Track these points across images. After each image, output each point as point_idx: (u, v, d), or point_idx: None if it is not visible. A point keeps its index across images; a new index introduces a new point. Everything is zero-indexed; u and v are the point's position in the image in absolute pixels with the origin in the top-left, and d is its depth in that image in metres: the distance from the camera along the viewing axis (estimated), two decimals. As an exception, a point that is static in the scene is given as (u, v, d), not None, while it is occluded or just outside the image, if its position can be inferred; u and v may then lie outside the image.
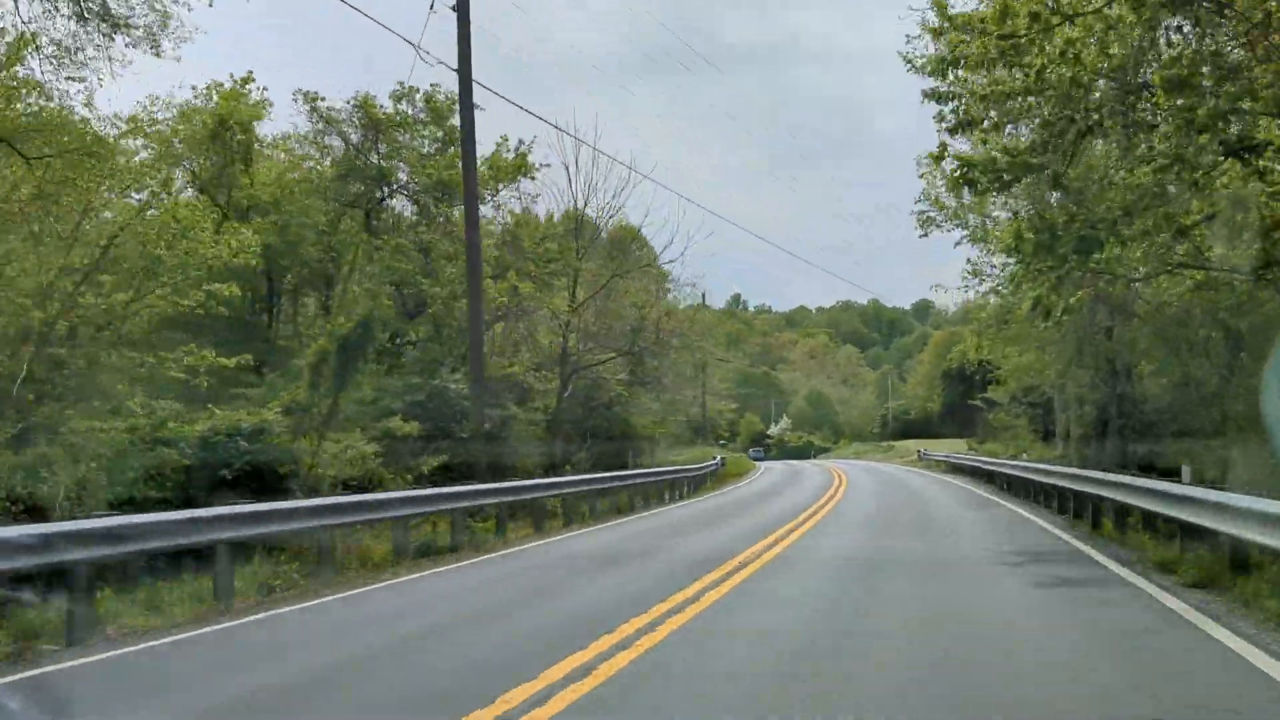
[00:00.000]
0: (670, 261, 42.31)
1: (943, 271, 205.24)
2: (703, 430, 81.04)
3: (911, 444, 78.85)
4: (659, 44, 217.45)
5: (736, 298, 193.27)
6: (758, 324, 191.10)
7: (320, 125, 35.35)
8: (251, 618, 11.62)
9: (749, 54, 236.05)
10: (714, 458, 50.29)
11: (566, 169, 39.85)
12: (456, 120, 38.31)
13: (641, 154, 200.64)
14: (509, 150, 38.04)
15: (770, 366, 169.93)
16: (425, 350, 32.45)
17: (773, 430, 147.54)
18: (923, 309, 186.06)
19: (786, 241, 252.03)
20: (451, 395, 30.30)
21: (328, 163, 36.10)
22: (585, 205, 40.01)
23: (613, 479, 29.68)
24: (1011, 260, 20.35)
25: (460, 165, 35.60)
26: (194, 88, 34.14)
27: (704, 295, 73.77)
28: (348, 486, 23.83)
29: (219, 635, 10.78)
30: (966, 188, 17.38)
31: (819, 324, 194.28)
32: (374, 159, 35.22)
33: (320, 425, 23.35)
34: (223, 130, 33.30)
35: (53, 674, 8.97)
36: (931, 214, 32.42)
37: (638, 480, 32.03)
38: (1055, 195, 19.07)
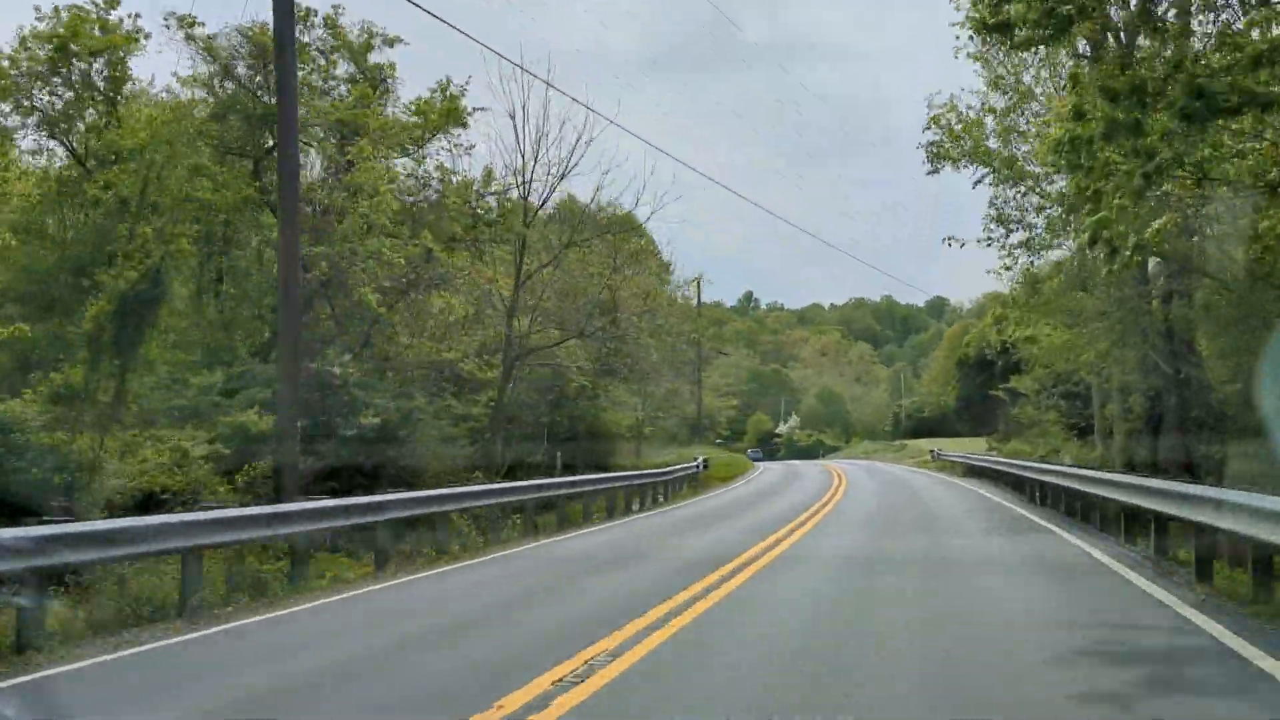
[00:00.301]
0: (641, 223, 34.88)
1: (957, 267, 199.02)
2: (700, 429, 74.34)
3: (924, 443, 72.01)
4: (668, 42, 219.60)
5: (748, 295, 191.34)
6: (769, 321, 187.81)
7: (199, 57, 28.84)
8: None
9: (758, 52, 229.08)
10: (695, 459, 43.54)
11: (512, 118, 33.18)
12: (379, 57, 32.02)
13: (649, 152, 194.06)
14: (444, 95, 31.45)
15: (782, 364, 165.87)
16: (315, 328, 25.76)
17: (781, 429, 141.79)
18: (937, 306, 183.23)
19: (795, 237, 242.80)
20: (339, 383, 23.75)
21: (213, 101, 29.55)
22: (534, 161, 33.35)
23: (533, 488, 23.00)
24: (1058, 177, 13.52)
25: (370, 107, 29.58)
26: (37, 8, 27.48)
27: (699, 282, 66.76)
28: (155, 502, 17.30)
29: None
30: (996, 37, 10.56)
31: (831, 321, 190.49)
32: (263, 97, 28.60)
33: (103, 417, 16.84)
34: (67, 59, 26.85)
35: None
36: (943, 144, 25.34)
37: (574, 489, 25.30)
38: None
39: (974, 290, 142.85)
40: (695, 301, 71.74)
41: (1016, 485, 31.13)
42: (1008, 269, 26.58)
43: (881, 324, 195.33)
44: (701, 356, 71.87)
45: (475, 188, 32.04)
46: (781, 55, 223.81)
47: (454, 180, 30.26)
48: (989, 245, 26.63)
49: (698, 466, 42.12)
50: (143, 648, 10.04)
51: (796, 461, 79.44)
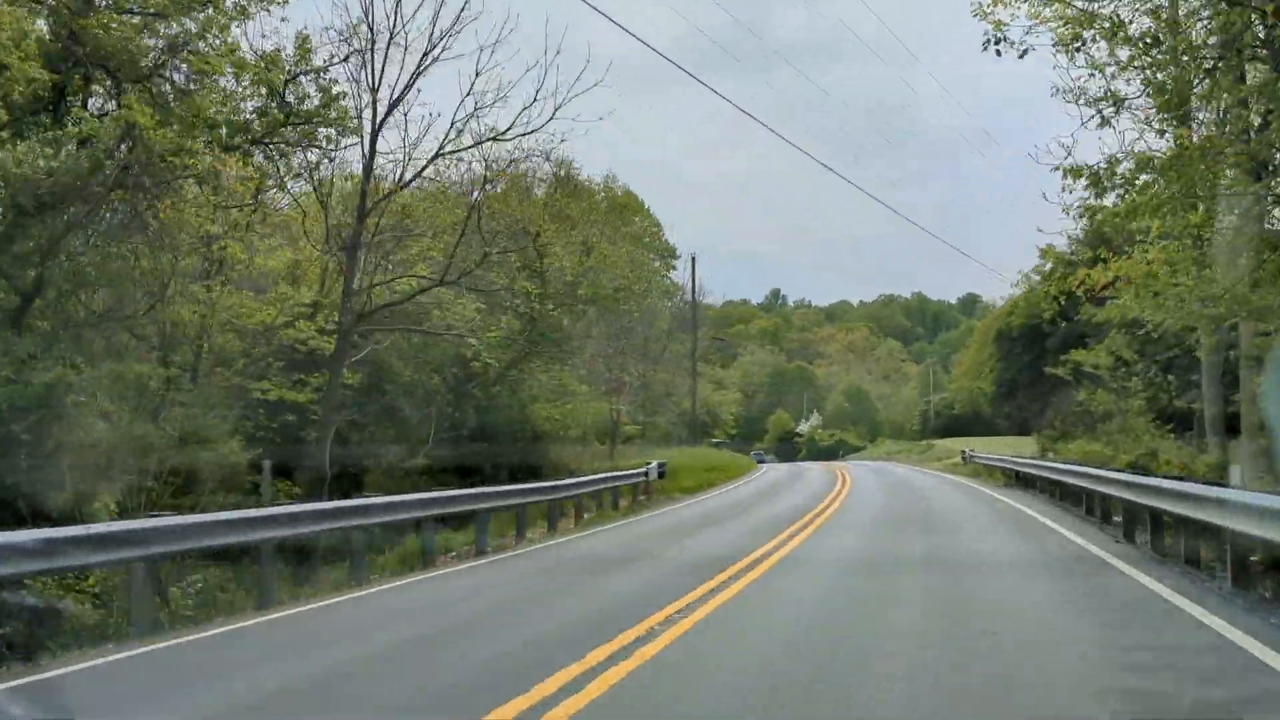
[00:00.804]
0: (529, 132, 23.14)
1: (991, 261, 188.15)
2: (697, 426, 63.34)
3: (954, 443, 60.81)
4: (701, 44, 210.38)
5: (775, 293, 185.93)
6: (796, 319, 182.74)
7: None
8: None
9: (792, 52, 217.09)
10: (648, 465, 32.61)
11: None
12: None
13: (677, 153, 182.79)
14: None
15: (807, 362, 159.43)
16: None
17: (802, 427, 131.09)
18: (969, 303, 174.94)
19: (828, 236, 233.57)
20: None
21: None
22: (390, 33, 22.58)
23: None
24: None
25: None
26: None
27: (694, 261, 56.19)
28: None
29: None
30: None
31: (860, 318, 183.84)
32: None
33: None
34: None
35: None
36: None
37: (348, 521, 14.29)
38: None
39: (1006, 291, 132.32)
40: (690, 285, 61.07)
41: (1096, 507, 19.80)
42: (1097, 182, 15.45)
43: (912, 320, 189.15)
44: (698, 346, 61.08)
45: (289, 69, 21.22)
46: (814, 53, 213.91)
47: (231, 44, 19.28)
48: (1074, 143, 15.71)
49: (646, 473, 31.17)
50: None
51: (810, 464, 68.61)
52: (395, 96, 22.97)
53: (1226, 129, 16.12)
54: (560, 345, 30.76)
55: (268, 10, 19.37)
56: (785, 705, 6.90)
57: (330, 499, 17.23)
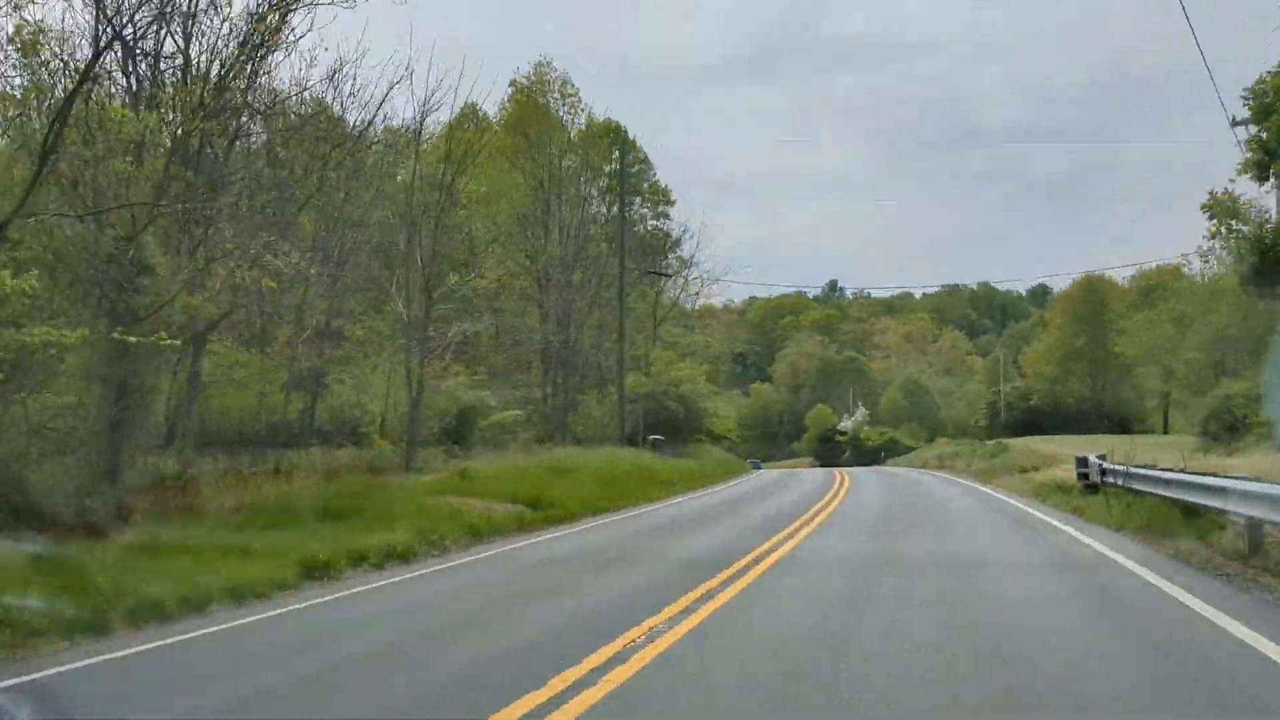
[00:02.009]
0: None
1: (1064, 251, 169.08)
2: (621, 408, 43.37)
3: (1043, 443, 40.91)
4: (760, 43, 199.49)
5: (833, 284, 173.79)
6: (853, 311, 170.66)
7: None
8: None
9: (852, 49, 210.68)
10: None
11: None
12: None
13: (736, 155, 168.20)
14: None
15: (862, 354, 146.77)
16: None
17: (844, 424, 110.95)
18: (1040, 294, 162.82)
19: (894, 229, 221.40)
20: None
21: None
22: None
23: None
24: None
25: None
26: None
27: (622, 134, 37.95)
28: None
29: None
30: None
31: (922, 310, 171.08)
32: None
33: None
34: None
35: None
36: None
37: None
38: None
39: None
40: (619, 180, 41.84)
41: None
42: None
43: (978, 312, 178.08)
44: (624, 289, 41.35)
45: None
46: (879, 52, 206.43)
47: None
48: None
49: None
50: None
51: (833, 472, 49.40)
52: None
53: None
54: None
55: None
56: None
57: None
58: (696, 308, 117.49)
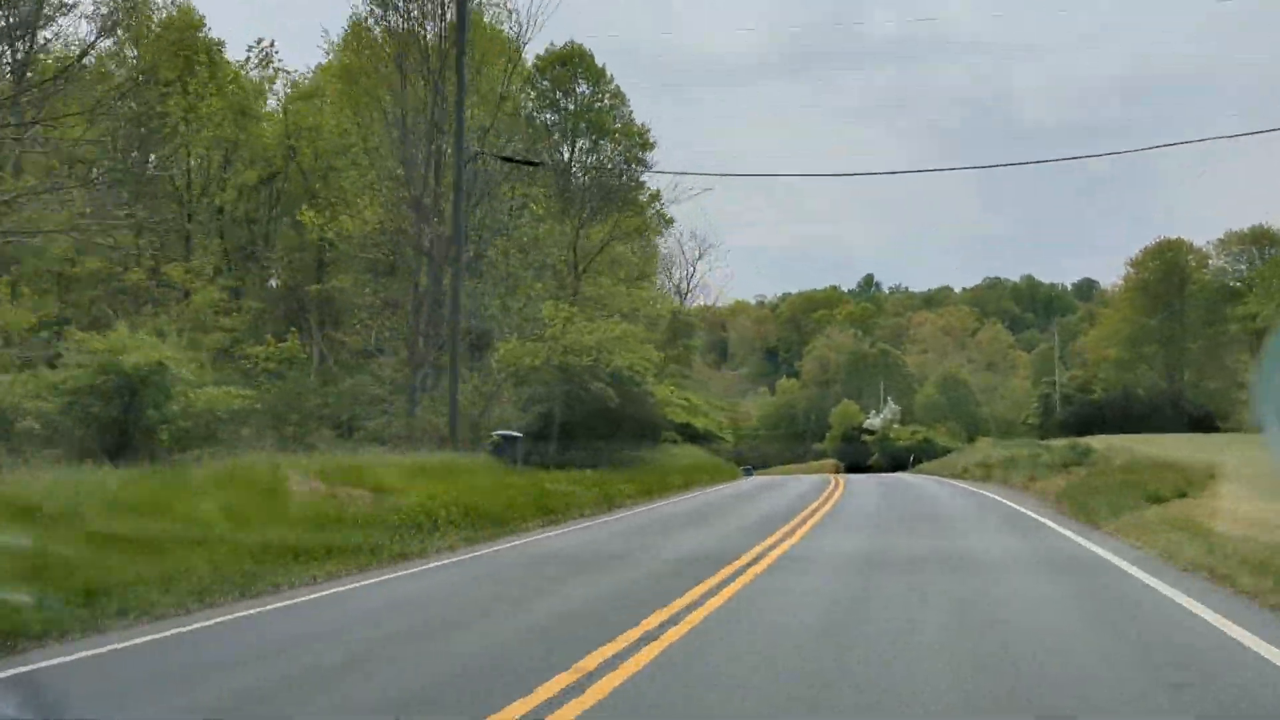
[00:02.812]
0: None
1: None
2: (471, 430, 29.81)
3: (1141, 444, 26.78)
4: (797, 42, 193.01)
5: (869, 279, 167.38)
6: (889, 305, 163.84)
7: None
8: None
9: (890, 48, 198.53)
10: None
11: None
12: None
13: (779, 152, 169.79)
14: None
15: (897, 348, 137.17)
16: None
17: (872, 422, 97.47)
18: (1085, 288, 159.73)
19: (931, 225, 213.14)
20: None
21: None
22: None
23: None
24: None
25: None
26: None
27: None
28: None
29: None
30: None
31: (962, 303, 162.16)
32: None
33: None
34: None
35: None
36: None
37: None
38: None
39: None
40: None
41: None
42: None
43: (1021, 306, 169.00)
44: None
45: None
46: (911, 49, 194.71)
47: None
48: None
49: None
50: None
51: (805, 480, 36.23)
52: None
53: None
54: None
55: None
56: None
57: None
58: (717, 303, 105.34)
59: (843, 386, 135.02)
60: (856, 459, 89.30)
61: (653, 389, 32.01)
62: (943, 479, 37.20)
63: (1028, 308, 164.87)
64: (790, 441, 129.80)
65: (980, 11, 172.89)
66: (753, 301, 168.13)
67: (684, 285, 74.34)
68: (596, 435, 27.04)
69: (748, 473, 67.57)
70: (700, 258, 75.28)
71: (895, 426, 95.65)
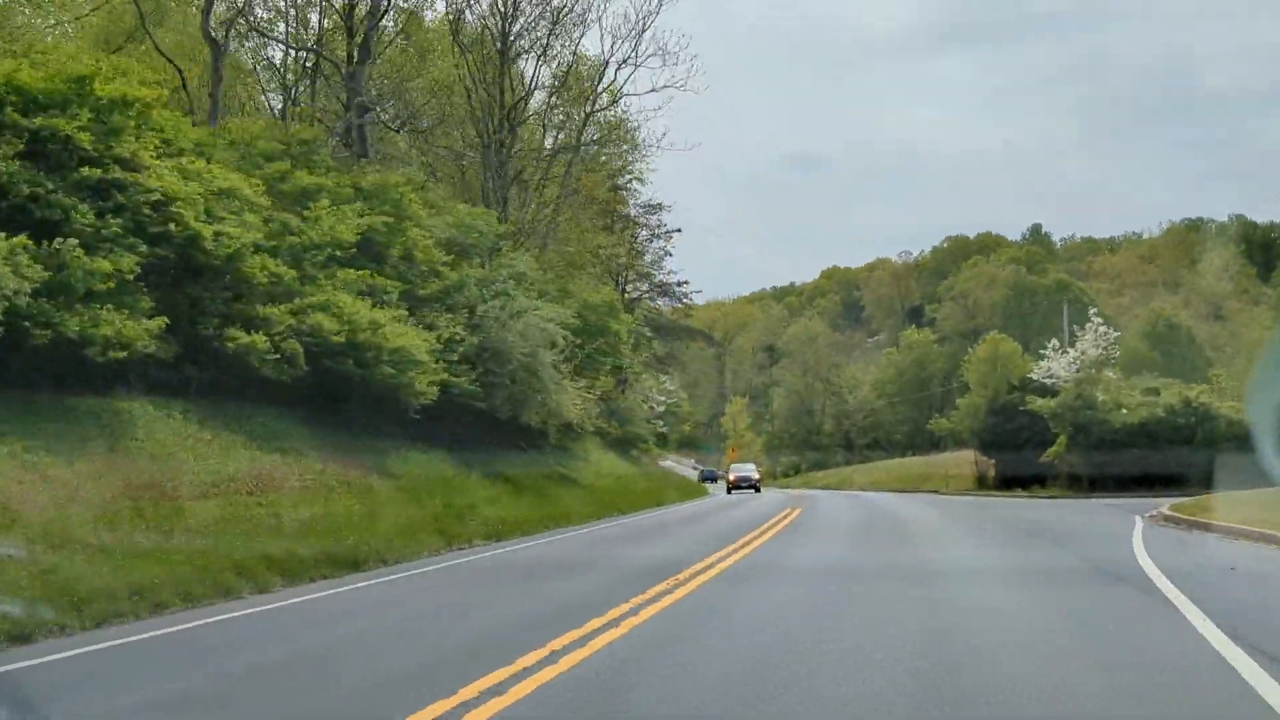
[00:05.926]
0: None
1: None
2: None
3: None
4: (960, 14, 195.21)
5: (1036, 228, 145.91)
6: (1063, 252, 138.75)
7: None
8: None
9: (1055, 17, 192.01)
10: None
11: None
12: None
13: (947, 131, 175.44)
14: None
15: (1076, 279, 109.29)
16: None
17: (1055, 365, 45.10)
18: None
19: (1097, 193, 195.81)
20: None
21: None
22: None
23: None
24: None
25: None
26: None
27: None
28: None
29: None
30: None
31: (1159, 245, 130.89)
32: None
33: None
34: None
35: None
36: None
37: None
38: None
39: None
40: None
41: None
42: None
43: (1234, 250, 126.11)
44: None
45: None
46: (1085, 17, 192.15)
47: None
48: None
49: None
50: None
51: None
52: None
53: None
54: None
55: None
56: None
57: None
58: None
59: (996, 323, 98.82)
60: (1017, 448, 40.87)
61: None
62: None
63: (1245, 254, 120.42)
64: (917, 407, 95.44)
65: None
66: (895, 258, 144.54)
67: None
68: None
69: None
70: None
71: (1079, 371, 44.90)
